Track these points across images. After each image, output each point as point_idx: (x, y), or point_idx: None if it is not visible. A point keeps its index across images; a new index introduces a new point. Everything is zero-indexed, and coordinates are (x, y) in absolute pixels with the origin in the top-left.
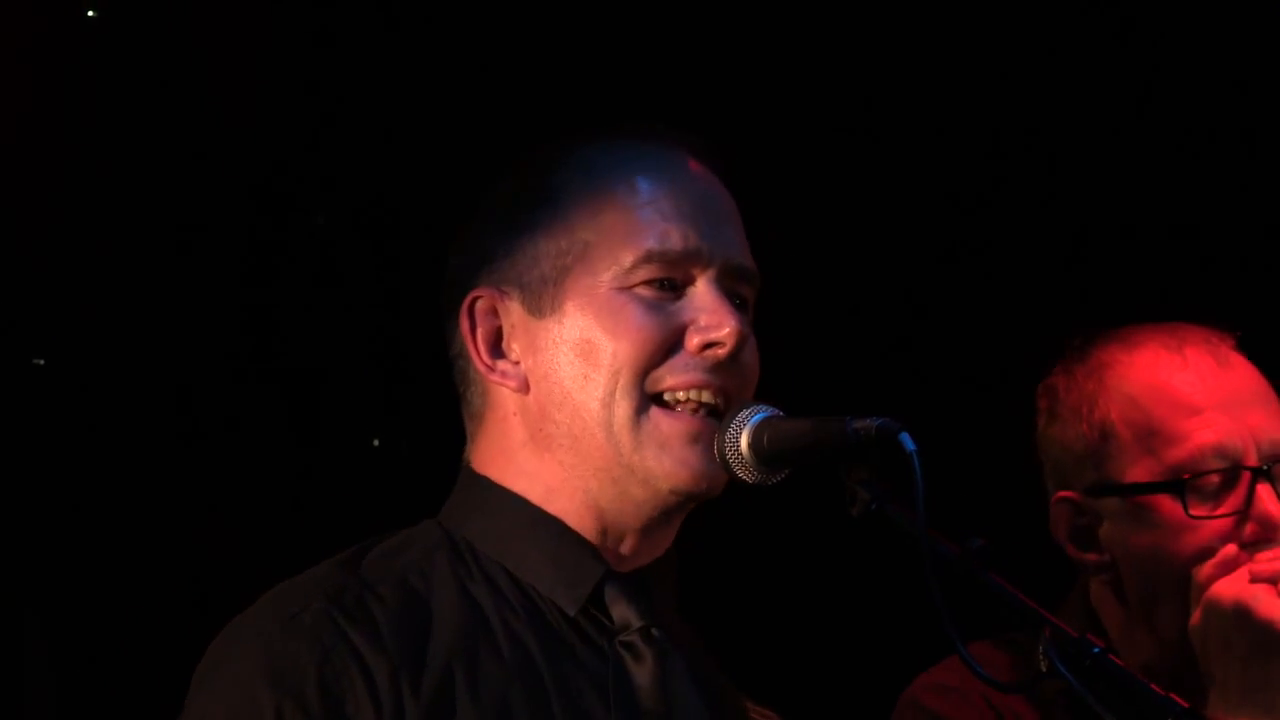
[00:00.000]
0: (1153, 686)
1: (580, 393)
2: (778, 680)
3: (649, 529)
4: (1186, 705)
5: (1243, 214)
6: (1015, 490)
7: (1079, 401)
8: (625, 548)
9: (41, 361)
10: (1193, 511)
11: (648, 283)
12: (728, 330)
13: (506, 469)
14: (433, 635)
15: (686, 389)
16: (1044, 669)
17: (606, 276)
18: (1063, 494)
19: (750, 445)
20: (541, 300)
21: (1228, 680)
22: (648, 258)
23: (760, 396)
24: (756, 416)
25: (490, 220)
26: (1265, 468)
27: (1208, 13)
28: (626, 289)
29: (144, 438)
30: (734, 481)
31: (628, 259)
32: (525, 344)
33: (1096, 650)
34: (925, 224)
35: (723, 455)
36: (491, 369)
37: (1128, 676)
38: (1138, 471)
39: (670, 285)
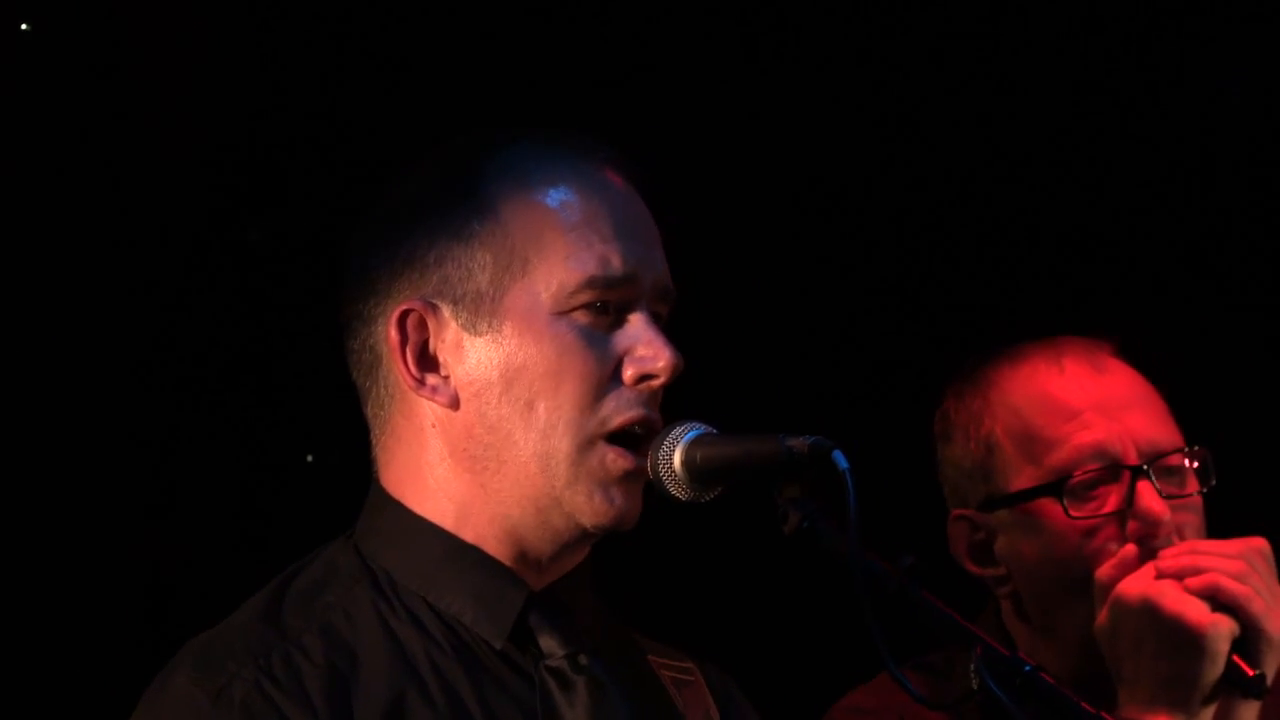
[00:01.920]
0: (1084, 705)
1: (518, 420)
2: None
3: (562, 554)
4: None
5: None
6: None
7: (967, 420)
8: (540, 569)
9: None
10: (1073, 512)
11: (586, 307)
12: (663, 363)
13: (420, 488)
14: (361, 688)
15: (631, 424)
16: (975, 686)
17: (546, 299)
18: (958, 511)
19: (683, 463)
20: (478, 316)
21: (1139, 678)
22: (590, 284)
23: (690, 412)
24: (690, 435)
25: (413, 222)
26: (1144, 466)
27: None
28: (565, 313)
29: (70, 452)
30: (665, 499)
31: (571, 283)
32: (457, 359)
33: (1028, 668)
34: (851, 236)
35: (656, 472)
36: (421, 383)
37: (1058, 694)
38: (1021, 480)
39: (605, 309)
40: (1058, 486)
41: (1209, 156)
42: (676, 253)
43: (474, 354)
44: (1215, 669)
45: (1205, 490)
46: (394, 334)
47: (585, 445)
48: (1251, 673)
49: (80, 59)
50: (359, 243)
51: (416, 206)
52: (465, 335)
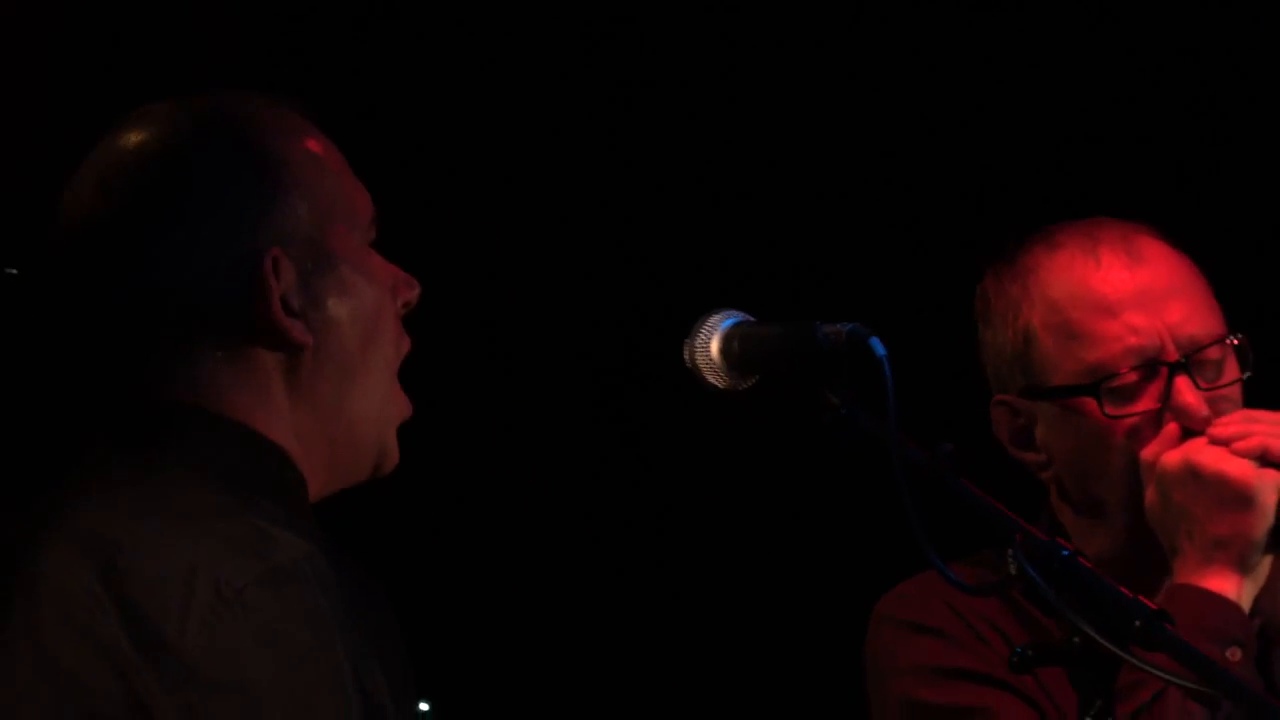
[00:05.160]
0: (1121, 589)
1: (364, 353)
2: (752, 595)
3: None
4: (1155, 606)
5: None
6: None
7: (1005, 307)
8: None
9: None
10: (1109, 411)
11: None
12: (418, 288)
13: (267, 419)
14: None
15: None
16: (1013, 572)
17: (356, 235)
18: (1000, 397)
19: (721, 351)
20: (318, 256)
21: (1192, 546)
22: (374, 218)
23: (729, 301)
24: (727, 322)
25: (225, 179)
26: (1183, 360)
27: None
28: (365, 246)
29: None
30: (704, 389)
31: (363, 218)
32: (305, 300)
33: (1065, 553)
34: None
35: (694, 360)
36: (285, 325)
37: (1096, 579)
38: (1059, 375)
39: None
40: (1095, 388)
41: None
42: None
43: (321, 293)
44: (1265, 521)
45: (1244, 378)
46: (270, 279)
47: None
48: None
49: None
50: (161, 209)
51: (216, 165)
52: (312, 277)
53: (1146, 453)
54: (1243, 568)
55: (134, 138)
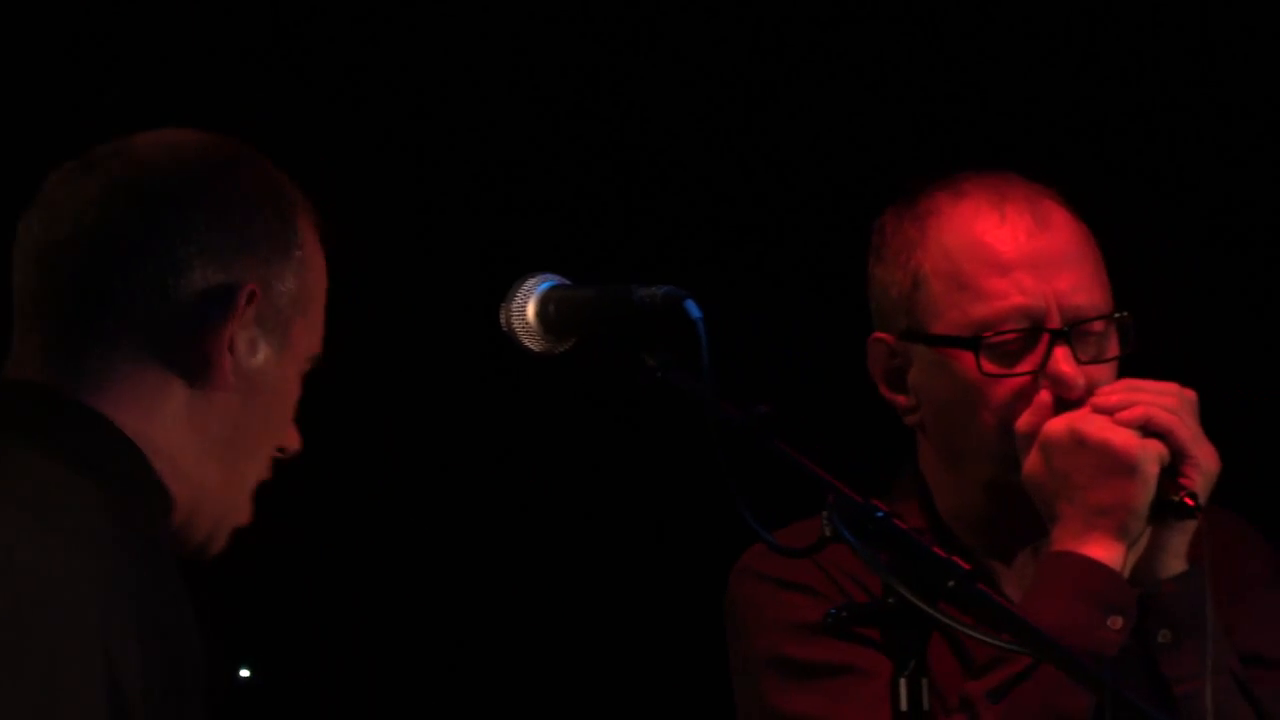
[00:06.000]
0: (935, 550)
1: (259, 431)
2: (571, 557)
3: None
4: (968, 567)
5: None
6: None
7: (900, 246)
8: None
9: None
10: (986, 369)
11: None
12: (297, 446)
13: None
14: None
15: None
16: (827, 533)
17: (304, 345)
18: (880, 335)
19: (537, 314)
20: (277, 325)
21: (1074, 512)
22: (315, 360)
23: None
24: (543, 285)
25: (255, 208)
26: (1065, 329)
27: None
28: (300, 368)
29: None
30: (520, 351)
31: (315, 348)
32: (246, 350)
33: (880, 514)
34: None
35: (510, 324)
36: (220, 358)
37: (910, 540)
38: (942, 324)
39: None
40: (975, 342)
41: None
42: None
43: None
44: (1147, 491)
45: (1122, 355)
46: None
47: None
48: (1182, 493)
49: None
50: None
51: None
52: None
53: (1021, 423)
54: (1124, 536)
55: (172, 147)
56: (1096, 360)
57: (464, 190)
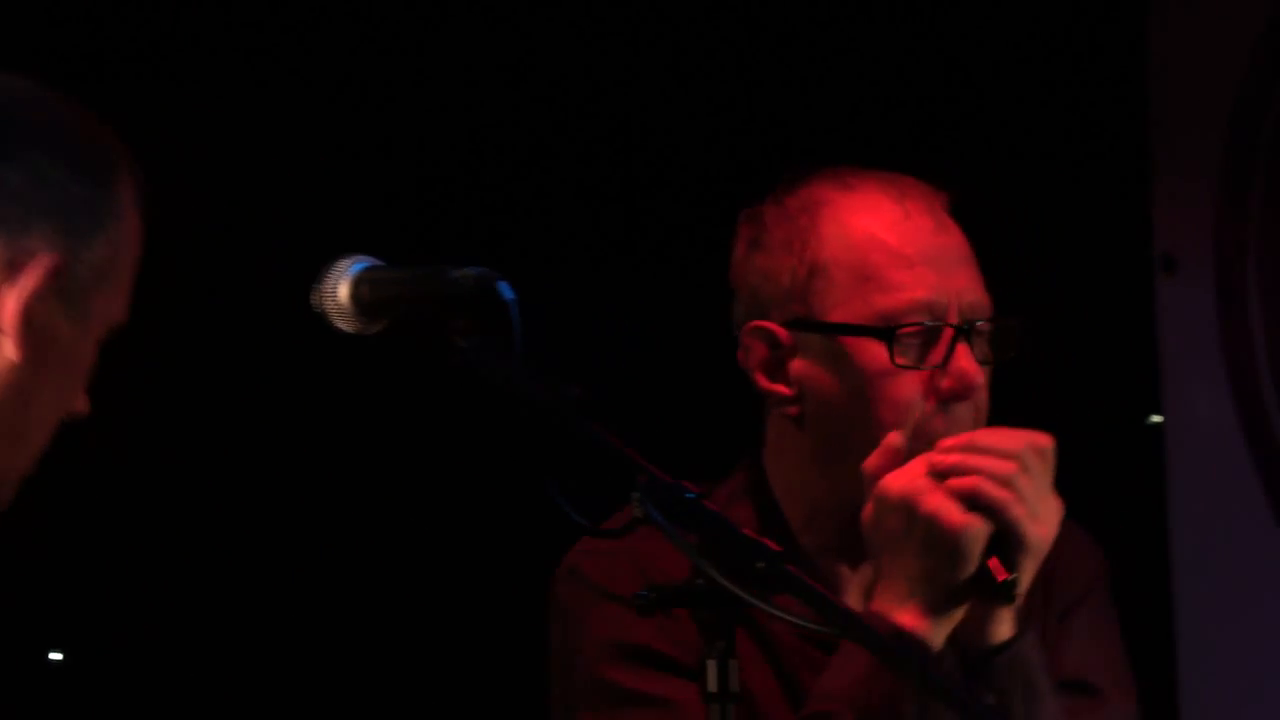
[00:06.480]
0: (746, 531)
1: (50, 395)
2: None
3: None
4: (779, 549)
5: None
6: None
7: (790, 235)
8: None
9: None
10: (898, 360)
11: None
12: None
13: None
14: None
15: None
16: (638, 515)
17: (107, 314)
18: (760, 323)
19: (350, 295)
20: (78, 294)
21: (894, 574)
22: (115, 331)
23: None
24: (356, 267)
25: (69, 168)
26: (966, 326)
27: None
28: (95, 338)
29: None
30: (334, 331)
31: (117, 316)
32: (45, 318)
33: (690, 495)
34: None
35: (323, 305)
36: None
37: (721, 521)
38: (843, 313)
39: None
40: (886, 332)
41: None
42: None
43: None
44: (966, 570)
45: (999, 360)
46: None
47: None
48: (1002, 577)
49: None
50: None
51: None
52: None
53: (869, 463)
54: (939, 610)
55: None
56: (983, 362)
57: (277, 169)
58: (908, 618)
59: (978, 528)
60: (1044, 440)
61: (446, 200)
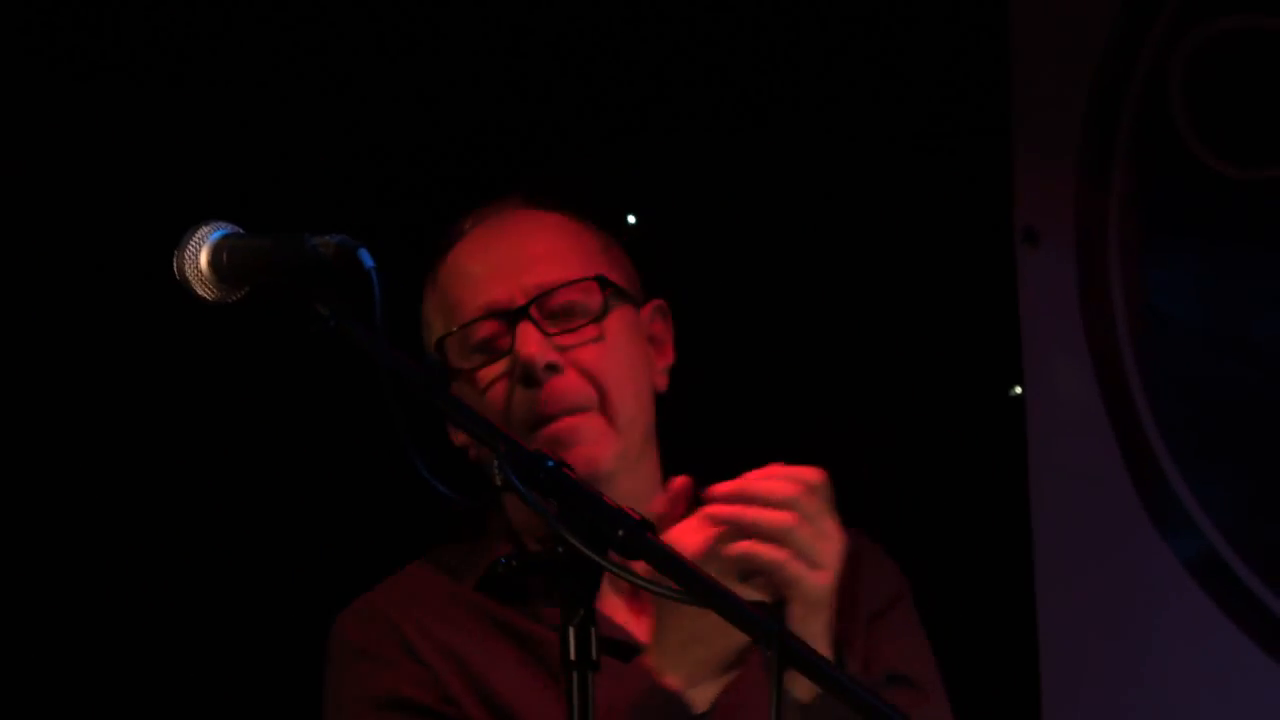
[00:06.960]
0: (606, 499)
1: None
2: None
3: None
4: (639, 517)
5: None
6: None
7: (434, 266)
8: None
9: None
10: (456, 364)
11: None
12: None
13: None
14: None
15: None
16: (499, 483)
17: None
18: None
19: (210, 263)
20: None
21: (670, 631)
22: None
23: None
24: (216, 234)
25: None
26: (526, 305)
27: None
28: None
29: None
30: (194, 300)
31: None
32: None
33: (551, 464)
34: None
35: (183, 272)
36: None
37: (582, 490)
38: (430, 337)
39: None
40: (441, 341)
41: None
42: None
43: None
44: (737, 639)
45: (600, 318)
46: None
47: None
48: (762, 644)
49: None
50: None
51: None
52: None
53: (655, 505)
54: (708, 671)
55: None
56: (567, 329)
57: (134, 132)
58: (673, 678)
59: (749, 595)
60: (815, 476)
61: (308, 167)
